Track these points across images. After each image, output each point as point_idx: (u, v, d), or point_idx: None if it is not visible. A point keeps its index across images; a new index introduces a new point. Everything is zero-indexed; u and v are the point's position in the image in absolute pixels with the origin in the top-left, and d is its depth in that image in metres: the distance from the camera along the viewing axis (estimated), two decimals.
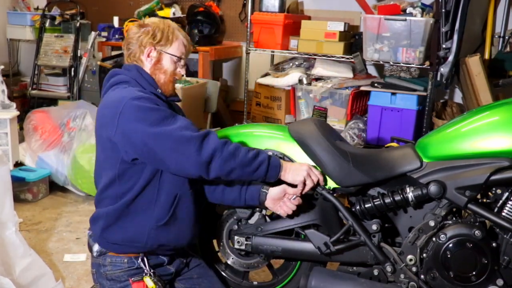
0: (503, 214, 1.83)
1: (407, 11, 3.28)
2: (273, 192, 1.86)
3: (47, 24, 4.63)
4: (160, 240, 1.83)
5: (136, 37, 1.86)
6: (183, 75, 1.96)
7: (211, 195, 1.96)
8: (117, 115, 1.69)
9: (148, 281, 1.84)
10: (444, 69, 3.03)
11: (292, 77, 3.70)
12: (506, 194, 1.84)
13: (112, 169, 1.78)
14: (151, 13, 4.56)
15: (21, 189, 3.47)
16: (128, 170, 1.76)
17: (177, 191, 1.81)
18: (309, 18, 4.07)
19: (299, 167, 1.82)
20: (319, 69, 3.66)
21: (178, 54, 1.88)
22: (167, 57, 1.87)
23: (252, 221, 2.07)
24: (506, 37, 3.61)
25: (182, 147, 1.65)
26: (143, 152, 1.69)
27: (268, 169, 1.75)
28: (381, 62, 3.41)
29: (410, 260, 1.90)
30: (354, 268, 2.05)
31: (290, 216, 1.93)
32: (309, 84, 3.65)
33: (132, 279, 1.84)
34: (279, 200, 1.86)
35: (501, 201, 1.85)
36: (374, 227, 1.93)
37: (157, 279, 1.86)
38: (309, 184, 1.83)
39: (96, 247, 1.89)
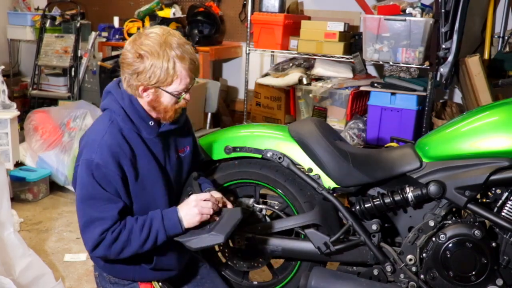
0: (503, 214, 1.84)
1: (407, 11, 3.28)
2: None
3: (47, 24, 4.63)
4: (156, 272, 1.84)
5: (131, 70, 1.64)
6: (188, 101, 1.76)
7: None
8: (79, 158, 1.70)
9: (155, 284, 1.85)
10: (443, 69, 3.03)
11: (292, 77, 3.70)
12: (505, 194, 1.84)
13: None
14: (151, 13, 4.56)
15: (22, 189, 3.48)
16: None
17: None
18: (309, 18, 4.07)
19: (188, 209, 1.71)
20: (319, 69, 3.67)
21: (182, 88, 1.68)
22: (166, 95, 1.67)
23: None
24: (506, 37, 3.61)
25: (83, 235, 1.67)
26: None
27: (167, 232, 1.69)
28: (381, 62, 3.41)
29: (410, 260, 1.90)
30: (354, 268, 2.05)
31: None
32: (309, 84, 3.65)
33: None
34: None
35: (500, 201, 1.85)
36: (374, 227, 1.93)
37: (163, 283, 1.87)
38: (207, 214, 1.73)
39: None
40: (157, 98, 1.68)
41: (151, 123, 1.72)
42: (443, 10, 2.95)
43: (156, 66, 1.60)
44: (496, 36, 3.66)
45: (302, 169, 1.99)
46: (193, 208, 1.70)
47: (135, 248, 1.66)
